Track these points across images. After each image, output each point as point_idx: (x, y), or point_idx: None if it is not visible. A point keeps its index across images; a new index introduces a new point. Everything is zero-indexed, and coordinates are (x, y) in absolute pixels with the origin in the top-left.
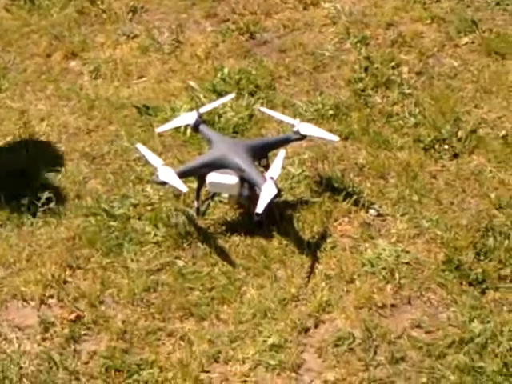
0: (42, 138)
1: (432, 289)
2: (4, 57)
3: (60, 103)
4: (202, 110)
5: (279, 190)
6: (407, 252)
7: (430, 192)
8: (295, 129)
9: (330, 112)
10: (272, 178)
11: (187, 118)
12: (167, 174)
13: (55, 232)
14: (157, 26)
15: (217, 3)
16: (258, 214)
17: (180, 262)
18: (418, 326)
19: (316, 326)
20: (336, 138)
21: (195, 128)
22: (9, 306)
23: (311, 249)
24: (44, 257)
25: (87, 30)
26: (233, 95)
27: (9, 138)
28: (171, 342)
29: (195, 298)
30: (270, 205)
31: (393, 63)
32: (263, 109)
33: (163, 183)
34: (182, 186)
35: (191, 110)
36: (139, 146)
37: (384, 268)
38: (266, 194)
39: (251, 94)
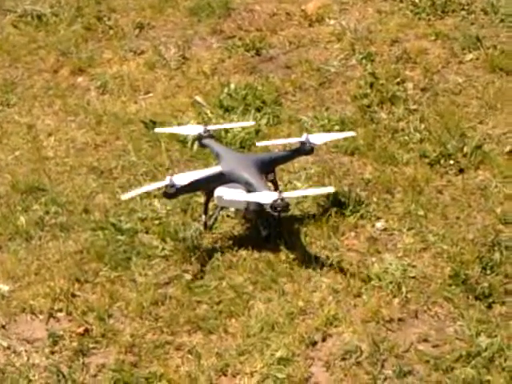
0: (50, 153)
1: (439, 303)
2: (12, 72)
3: (68, 118)
4: (211, 127)
5: (287, 205)
6: (414, 266)
7: (436, 207)
8: (304, 140)
9: (336, 127)
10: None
11: (193, 129)
12: (182, 177)
13: (63, 246)
14: (163, 42)
15: (223, 20)
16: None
17: (188, 276)
18: (425, 340)
19: (324, 340)
20: (352, 133)
21: (199, 140)
22: (17, 319)
23: (318, 263)
24: (52, 270)
25: (94, 46)
26: (253, 123)
27: (17, 153)
28: (179, 356)
29: (203, 312)
30: (278, 218)
31: (398, 79)
32: (260, 143)
33: (178, 191)
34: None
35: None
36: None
37: (391, 282)
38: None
39: (258, 110)
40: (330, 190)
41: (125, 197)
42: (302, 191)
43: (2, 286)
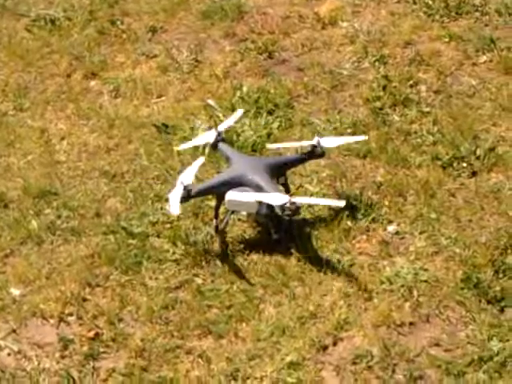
0: (62, 157)
1: (451, 307)
2: (25, 77)
3: (80, 122)
4: (221, 127)
5: (297, 208)
6: (426, 270)
7: (449, 210)
8: (315, 143)
9: (348, 130)
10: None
11: (207, 136)
12: (173, 193)
13: (75, 250)
14: (176, 45)
15: (235, 23)
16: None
17: (198, 280)
18: (437, 344)
19: (334, 344)
20: (363, 137)
21: (214, 146)
22: (28, 323)
23: (329, 266)
24: (63, 274)
25: (107, 50)
26: (241, 111)
27: (29, 157)
28: (189, 360)
29: (213, 316)
30: (289, 222)
31: (411, 82)
32: (271, 146)
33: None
34: (175, 209)
35: (209, 128)
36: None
37: (402, 286)
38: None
39: (270, 113)
40: (341, 204)
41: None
42: (312, 199)
43: (13, 290)
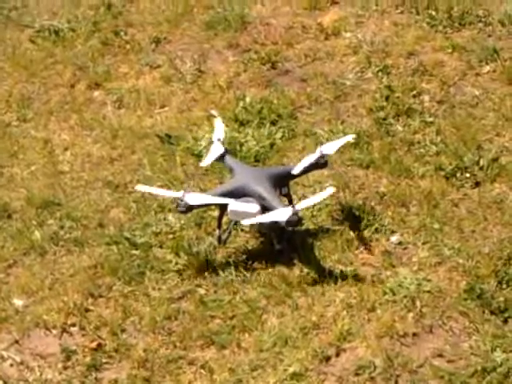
0: (66, 168)
1: (454, 317)
2: (28, 87)
3: (83, 133)
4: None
5: (301, 219)
6: (429, 280)
7: (452, 220)
8: (319, 153)
9: (352, 141)
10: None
11: (216, 148)
12: (196, 197)
13: (78, 260)
14: (179, 56)
15: (239, 33)
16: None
17: (201, 290)
18: (440, 355)
19: (337, 355)
20: (351, 137)
21: (221, 158)
22: (31, 334)
23: (332, 277)
24: (66, 285)
25: (111, 60)
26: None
27: (33, 168)
28: (192, 371)
29: (216, 327)
30: (292, 232)
31: (414, 92)
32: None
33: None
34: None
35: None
36: (139, 187)
37: (405, 296)
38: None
39: (273, 124)
40: (331, 190)
41: (139, 188)
42: (308, 200)
43: (16, 301)
